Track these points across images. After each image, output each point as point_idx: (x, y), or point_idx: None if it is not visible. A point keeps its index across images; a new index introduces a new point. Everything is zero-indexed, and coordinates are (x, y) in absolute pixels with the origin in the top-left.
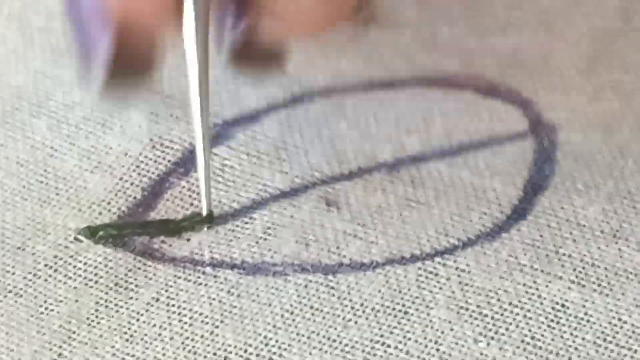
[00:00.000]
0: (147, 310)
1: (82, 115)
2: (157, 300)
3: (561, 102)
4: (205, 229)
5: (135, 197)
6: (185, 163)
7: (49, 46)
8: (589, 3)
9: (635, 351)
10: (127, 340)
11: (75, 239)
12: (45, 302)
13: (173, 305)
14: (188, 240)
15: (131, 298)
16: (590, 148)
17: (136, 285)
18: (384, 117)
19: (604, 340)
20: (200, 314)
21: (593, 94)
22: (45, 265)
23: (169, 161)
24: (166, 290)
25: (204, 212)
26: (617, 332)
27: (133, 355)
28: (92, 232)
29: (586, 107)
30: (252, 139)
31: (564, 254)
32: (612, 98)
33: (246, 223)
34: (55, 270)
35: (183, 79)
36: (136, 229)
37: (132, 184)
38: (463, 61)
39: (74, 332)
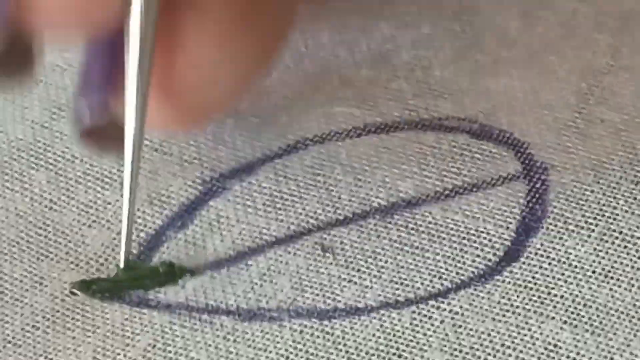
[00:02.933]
0: (144, 357)
1: (82, 170)
2: (154, 346)
3: (552, 141)
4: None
5: (131, 252)
6: (182, 217)
7: (47, 99)
8: (578, 39)
9: None
10: None
11: (71, 292)
12: (44, 352)
13: (170, 352)
14: (183, 287)
15: (128, 345)
16: (581, 188)
17: (132, 333)
18: (377, 162)
19: None
20: None
21: (584, 131)
22: (43, 317)
23: (166, 216)
24: (162, 337)
25: (121, 264)
26: None
27: None
28: (86, 286)
29: (577, 145)
30: (248, 190)
31: (555, 295)
32: (603, 135)
33: (242, 269)
34: (54, 322)
35: (182, 140)
36: (130, 283)
37: None
38: (455, 103)
39: None
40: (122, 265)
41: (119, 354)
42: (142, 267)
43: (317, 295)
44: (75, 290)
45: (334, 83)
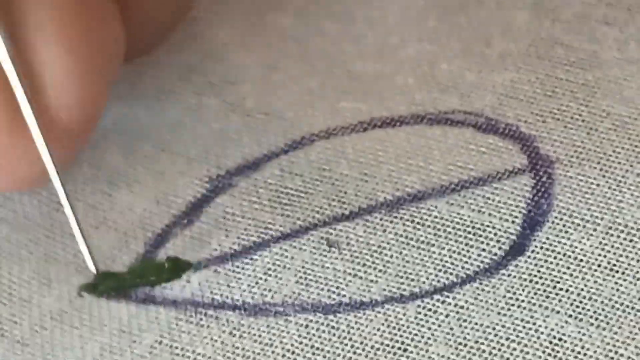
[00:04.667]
0: (150, 353)
1: (90, 173)
2: (160, 342)
3: (559, 134)
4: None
5: (137, 252)
6: (189, 214)
7: None
8: (585, 32)
9: None
10: None
11: (79, 294)
12: (52, 349)
13: (176, 348)
14: (188, 281)
15: (134, 342)
16: (587, 181)
17: (139, 329)
18: (383, 157)
19: None
20: (203, 356)
21: (590, 125)
22: (51, 317)
23: (173, 215)
24: (169, 333)
25: (92, 269)
26: None
27: None
28: (93, 287)
29: (584, 139)
30: (254, 186)
31: (561, 289)
32: (609, 128)
33: (246, 264)
34: (61, 322)
35: (189, 138)
36: (136, 280)
37: (135, 238)
38: (462, 97)
39: None
40: (92, 268)
41: (125, 351)
42: (147, 264)
43: (322, 289)
44: (82, 292)
45: (340, 77)
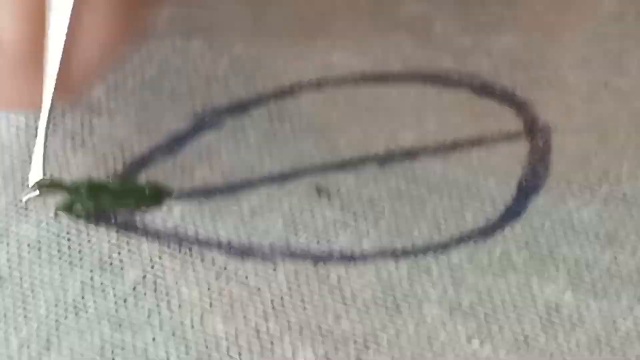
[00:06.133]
0: (134, 289)
1: (70, 104)
2: (144, 277)
3: (556, 103)
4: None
5: (116, 170)
6: (171, 145)
7: None
8: (583, 4)
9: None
10: (116, 325)
11: (55, 214)
12: (31, 285)
13: (160, 285)
14: (170, 211)
15: (116, 275)
16: (585, 151)
17: (120, 261)
18: (376, 111)
19: (599, 343)
20: (189, 298)
21: (588, 95)
22: (29, 245)
23: (155, 143)
24: (152, 268)
25: (37, 175)
26: (611, 337)
27: (122, 341)
28: (69, 206)
29: (581, 108)
30: (241, 126)
31: (558, 254)
32: (607, 100)
33: (231, 201)
34: (39, 250)
35: (175, 76)
36: (113, 200)
37: (114, 159)
38: (457, 59)
39: (61, 318)
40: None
41: (107, 287)
42: (126, 183)
43: (311, 237)
44: (59, 212)
45: (333, 31)
